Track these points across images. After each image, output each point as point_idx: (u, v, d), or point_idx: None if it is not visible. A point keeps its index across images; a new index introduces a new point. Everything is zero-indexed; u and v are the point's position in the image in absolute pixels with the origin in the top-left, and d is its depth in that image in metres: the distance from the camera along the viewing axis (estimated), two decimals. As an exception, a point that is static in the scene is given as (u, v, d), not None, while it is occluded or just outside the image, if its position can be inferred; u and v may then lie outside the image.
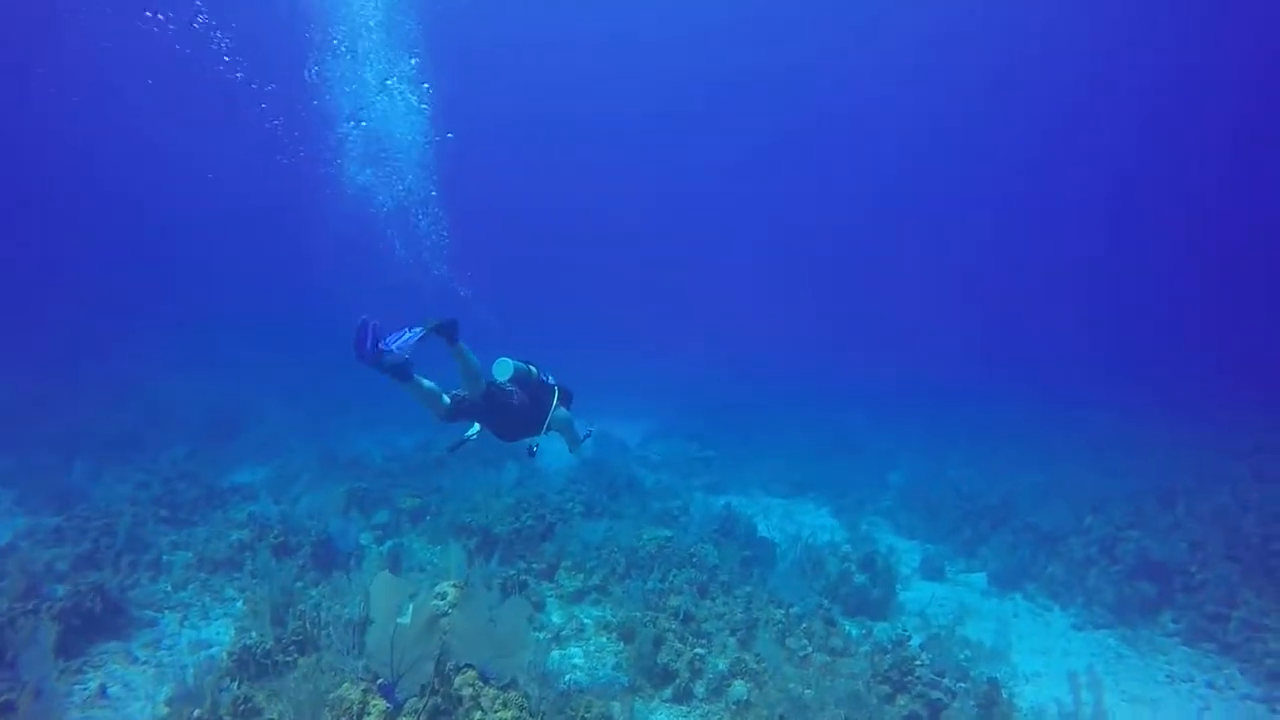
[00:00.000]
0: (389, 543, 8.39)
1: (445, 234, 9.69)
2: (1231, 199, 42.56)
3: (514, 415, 5.34)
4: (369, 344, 4.42)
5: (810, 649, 5.90)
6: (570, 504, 9.92)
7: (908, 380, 26.78)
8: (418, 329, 4.63)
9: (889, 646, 5.87)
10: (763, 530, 9.75)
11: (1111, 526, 9.23)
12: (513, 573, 6.95)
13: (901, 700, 5.32)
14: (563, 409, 5.70)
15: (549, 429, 5.60)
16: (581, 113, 47.09)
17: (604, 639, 6.53)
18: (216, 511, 9.45)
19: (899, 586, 8.51)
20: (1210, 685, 6.82)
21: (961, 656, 6.28)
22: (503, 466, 10.25)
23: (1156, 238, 47.59)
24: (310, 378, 20.67)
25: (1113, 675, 6.93)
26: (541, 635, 6.52)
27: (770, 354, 32.61)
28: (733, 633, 6.35)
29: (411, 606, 4.01)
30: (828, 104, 46.12)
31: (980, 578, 9.24)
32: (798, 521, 11.42)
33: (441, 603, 4.79)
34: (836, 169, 52.35)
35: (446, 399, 5.11)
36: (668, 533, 8.32)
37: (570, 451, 6.08)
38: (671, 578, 7.32)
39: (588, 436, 6.19)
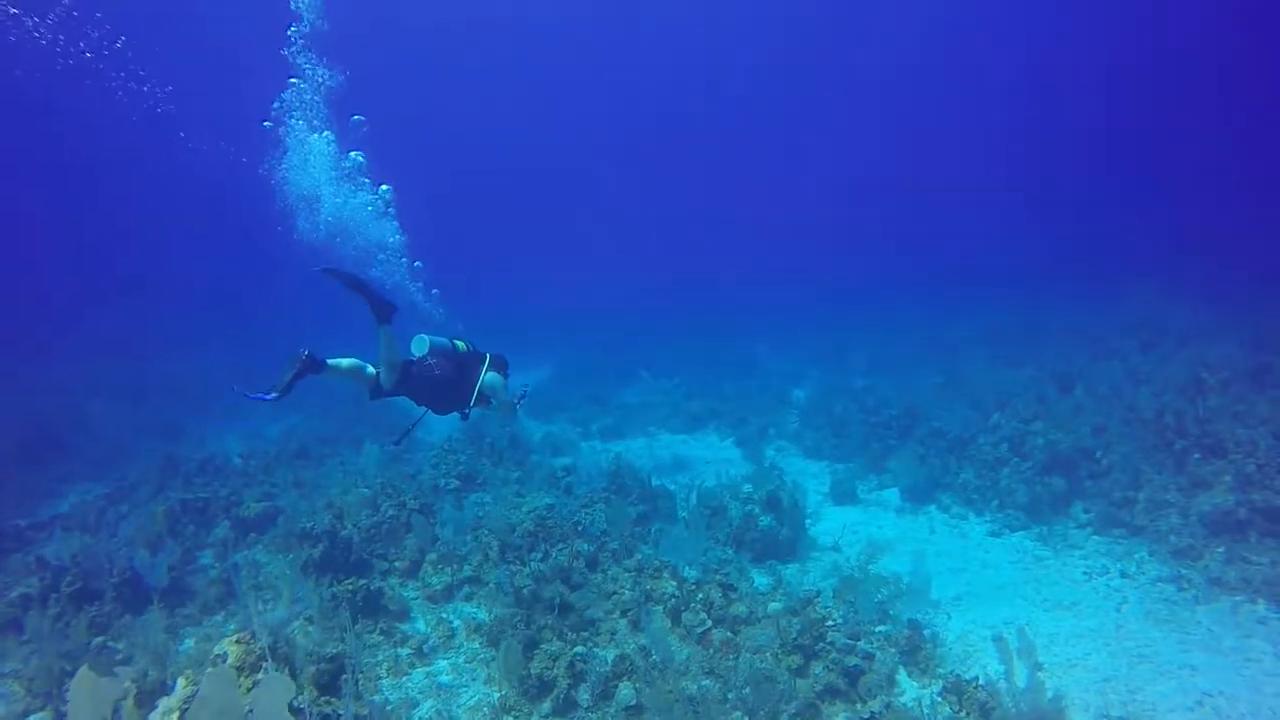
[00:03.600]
0: (234, 560, 7.07)
1: None
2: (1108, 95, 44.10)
3: (439, 386, 5.53)
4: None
5: (709, 623, 5.11)
6: (445, 480, 8.82)
7: (809, 290, 26.48)
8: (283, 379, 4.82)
9: (798, 607, 5.15)
10: (660, 476, 8.95)
11: (1018, 421, 8.90)
12: (362, 583, 5.82)
13: (816, 670, 4.61)
14: (494, 374, 5.74)
15: (479, 395, 5.69)
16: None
17: (476, 644, 5.56)
18: (14, 558, 7.82)
19: (810, 518, 7.92)
20: (1124, 574, 6.55)
21: (879, 596, 5.66)
22: (362, 448, 8.95)
23: (1042, 127, 48.84)
24: (161, 371, 18.37)
25: (1033, 583, 6.54)
26: (402, 652, 5.49)
27: (669, 283, 31.64)
28: (623, 614, 5.50)
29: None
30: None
31: (893, 494, 8.78)
32: (699, 460, 10.71)
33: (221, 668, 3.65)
34: (735, 72, 50.79)
35: (371, 369, 5.40)
36: (548, 500, 7.35)
37: (505, 420, 6.26)
38: (555, 555, 6.38)
39: (523, 397, 6.12)
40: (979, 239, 34.84)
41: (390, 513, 7.29)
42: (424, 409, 5.84)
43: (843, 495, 8.72)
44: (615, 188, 54.86)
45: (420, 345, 5.49)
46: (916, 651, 5.07)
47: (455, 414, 5.99)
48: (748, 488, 7.51)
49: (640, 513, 7.73)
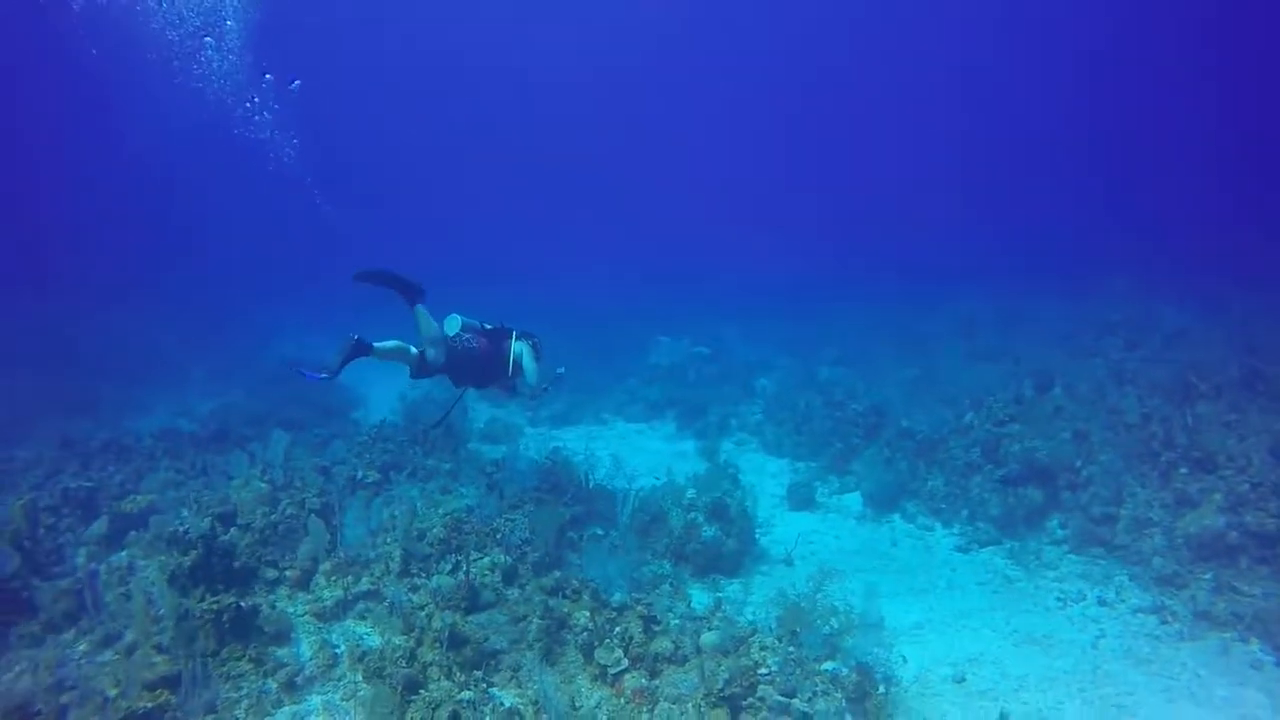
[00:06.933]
0: (94, 566, 6.19)
1: None
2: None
3: (477, 361, 5.85)
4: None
5: (625, 662, 4.36)
6: (365, 472, 7.97)
7: (784, 276, 25.66)
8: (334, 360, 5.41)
9: (730, 646, 4.41)
10: (606, 469, 8.19)
11: (992, 423, 8.21)
12: (230, 600, 4.98)
13: (742, 725, 3.89)
14: (521, 344, 6.00)
15: (514, 366, 5.96)
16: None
17: (359, 675, 4.77)
18: None
19: (763, 526, 7.23)
20: (1101, 601, 5.92)
21: (827, 629, 4.94)
22: (269, 435, 8.07)
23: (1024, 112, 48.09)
24: (99, 333, 17.13)
25: (1003, 609, 5.89)
26: (270, 685, 4.68)
27: (643, 259, 30.58)
28: (533, 644, 4.74)
29: None
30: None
31: (855, 499, 8.09)
32: (652, 453, 9.96)
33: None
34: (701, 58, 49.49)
35: (414, 350, 5.87)
36: (467, 502, 6.56)
37: (533, 393, 6.21)
38: (465, 567, 5.61)
39: (560, 376, 6.30)
40: (957, 226, 34.15)
41: (290, 511, 6.44)
42: (463, 388, 6.17)
43: (801, 499, 8.01)
44: (592, 162, 53.24)
45: (453, 324, 5.81)
46: (865, 699, 4.36)
47: (481, 393, 6.64)
48: (692, 492, 6.76)
49: (575, 515, 6.96)
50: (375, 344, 5.65)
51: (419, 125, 50.73)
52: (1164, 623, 5.54)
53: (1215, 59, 36.30)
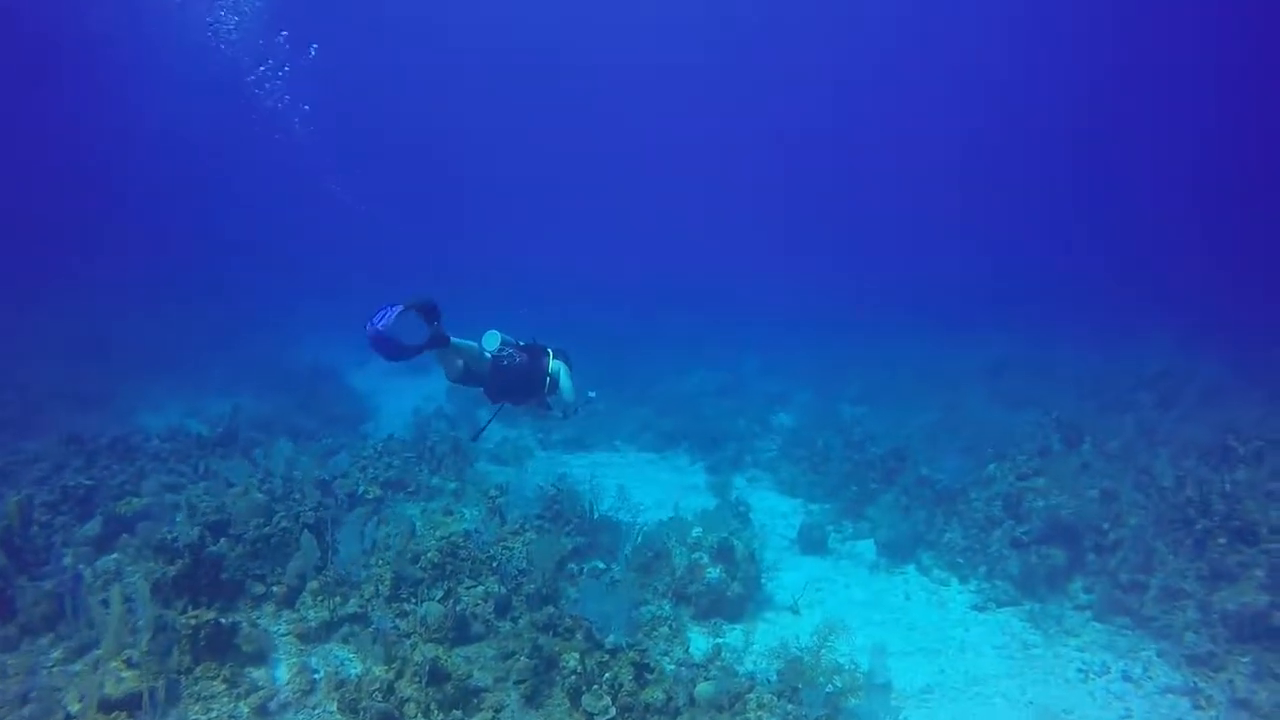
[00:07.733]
0: (77, 569, 6.06)
1: None
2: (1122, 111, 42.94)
3: (517, 376, 5.73)
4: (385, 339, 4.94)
5: (613, 711, 4.09)
6: (367, 487, 7.82)
7: (804, 311, 25.32)
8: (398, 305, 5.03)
9: (725, 702, 4.14)
10: (612, 500, 7.94)
11: (1015, 475, 7.86)
12: (208, 616, 4.80)
13: (733, 794, 3.60)
14: (559, 362, 5.93)
15: (551, 383, 5.85)
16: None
17: (334, 705, 4.55)
18: None
19: (770, 570, 6.88)
20: (1127, 677, 5.54)
21: (830, 687, 4.65)
22: (274, 443, 7.94)
23: (1047, 146, 47.55)
24: (114, 326, 17.27)
25: (1019, 677, 5.53)
26: (241, 709, 4.47)
27: (663, 286, 30.29)
28: (518, 683, 4.49)
29: None
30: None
31: (868, 546, 7.75)
32: (662, 485, 9.68)
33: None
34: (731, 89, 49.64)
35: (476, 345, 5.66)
36: (467, 525, 6.35)
37: (566, 412, 6.10)
38: (458, 595, 5.39)
39: (591, 400, 6.21)
40: (988, 266, 33.65)
41: (284, 524, 6.27)
42: (499, 404, 6.00)
43: (812, 543, 7.70)
44: (615, 181, 53.43)
45: (493, 340, 5.68)
46: (868, 772, 4.06)
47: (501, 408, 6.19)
48: (697, 531, 6.49)
49: (576, 546, 6.73)
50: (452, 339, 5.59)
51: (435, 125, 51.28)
52: (1198, 707, 5.15)
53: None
